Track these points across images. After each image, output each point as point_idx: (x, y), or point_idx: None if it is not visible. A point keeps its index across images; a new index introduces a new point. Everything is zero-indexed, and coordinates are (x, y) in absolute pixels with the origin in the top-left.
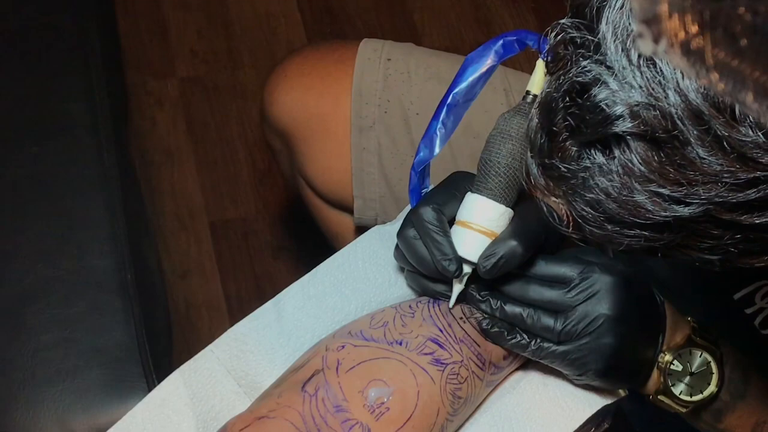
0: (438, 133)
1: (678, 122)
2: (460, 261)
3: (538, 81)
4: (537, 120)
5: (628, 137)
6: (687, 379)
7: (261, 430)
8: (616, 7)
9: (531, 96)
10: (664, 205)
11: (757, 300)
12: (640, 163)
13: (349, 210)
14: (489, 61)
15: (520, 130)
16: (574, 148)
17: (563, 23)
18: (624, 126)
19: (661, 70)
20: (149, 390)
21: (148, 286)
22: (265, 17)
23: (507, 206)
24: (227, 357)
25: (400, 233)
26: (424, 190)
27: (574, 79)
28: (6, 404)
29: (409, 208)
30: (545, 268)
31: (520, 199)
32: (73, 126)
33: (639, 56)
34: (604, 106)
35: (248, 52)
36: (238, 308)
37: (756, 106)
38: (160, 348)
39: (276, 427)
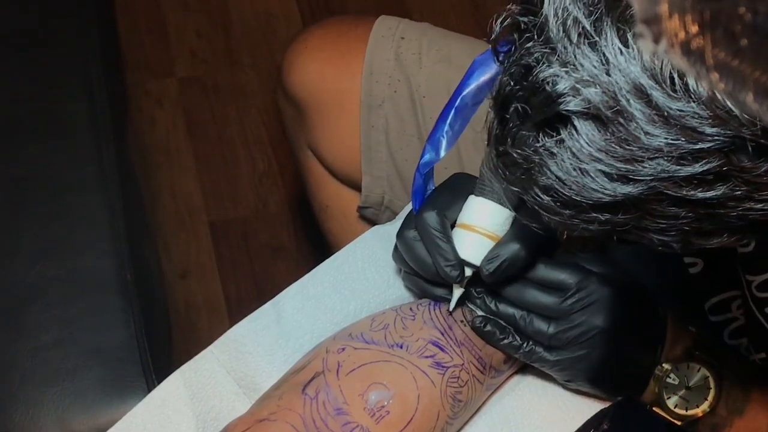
0: (445, 135)
1: (621, 98)
2: (463, 266)
3: None
4: (491, 109)
5: (574, 117)
6: (683, 392)
7: None
8: None
9: None
10: (612, 184)
11: (732, 309)
12: (586, 143)
13: (356, 186)
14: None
15: None
16: (524, 133)
17: (510, 9)
18: (568, 104)
19: (602, 50)
20: (149, 390)
21: (148, 286)
22: (265, 17)
23: (510, 210)
24: (227, 358)
25: (400, 234)
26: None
27: (520, 62)
28: (6, 404)
29: (409, 207)
30: (544, 272)
31: None
32: (73, 126)
33: (579, 36)
34: (547, 85)
35: (248, 52)
36: (238, 308)
37: (756, 106)
38: (160, 348)
39: (277, 430)
